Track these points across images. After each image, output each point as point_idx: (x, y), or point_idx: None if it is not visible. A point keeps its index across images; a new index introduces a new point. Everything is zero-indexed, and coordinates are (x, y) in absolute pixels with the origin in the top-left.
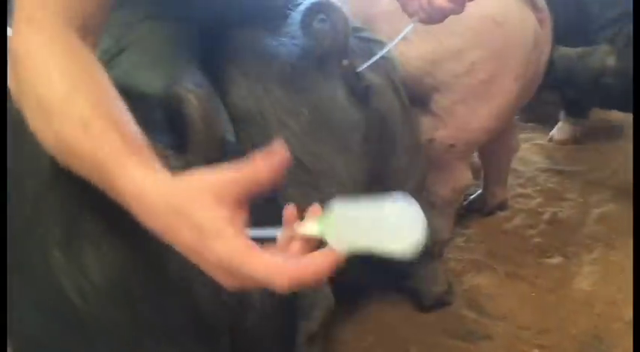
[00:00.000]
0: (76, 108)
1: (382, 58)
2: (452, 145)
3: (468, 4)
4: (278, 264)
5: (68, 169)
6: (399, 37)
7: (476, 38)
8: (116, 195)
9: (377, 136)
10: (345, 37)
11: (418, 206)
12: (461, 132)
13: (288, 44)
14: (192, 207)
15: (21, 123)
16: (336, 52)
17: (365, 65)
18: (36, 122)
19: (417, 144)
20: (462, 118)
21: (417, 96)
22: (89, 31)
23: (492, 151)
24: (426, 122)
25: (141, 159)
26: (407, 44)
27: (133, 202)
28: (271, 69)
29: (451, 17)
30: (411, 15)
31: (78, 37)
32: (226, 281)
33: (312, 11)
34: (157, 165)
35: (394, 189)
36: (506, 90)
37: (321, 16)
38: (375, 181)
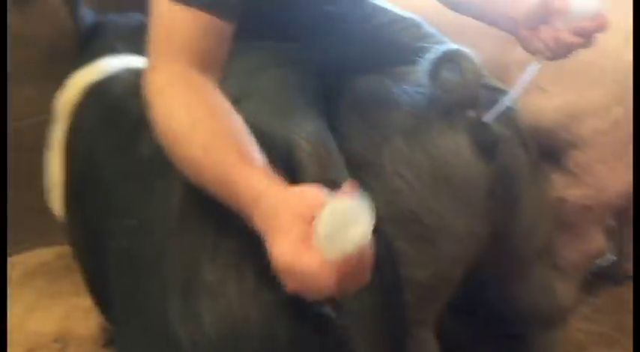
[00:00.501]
0: (198, 137)
1: (511, 108)
2: (587, 207)
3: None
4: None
5: (194, 218)
6: (526, 79)
7: (622, 93)
8: (237, 202)
9: (501, 192)
10: (475, 88)
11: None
12: (598, 194)
13: (413, 93)
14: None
15: (150, 171)
16: (464, 103)
17: (492, 115)
18: (170, 150)
19: (545, 202)
20: (600, 178)
21: (549, 151)
22: (209, 67)
23: (630, 215)
24: (558, 180)
25: (258, 169)
26: (542, 94)
27: (253, 205)
28: (393, 118)
29: (594, 67)
30: (533, 53)
31: (199, 72)
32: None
33: (441, 59)
34: (273, 174)
35: (518, 248)
36: None
37: (451, 65)
38: (498, 239)
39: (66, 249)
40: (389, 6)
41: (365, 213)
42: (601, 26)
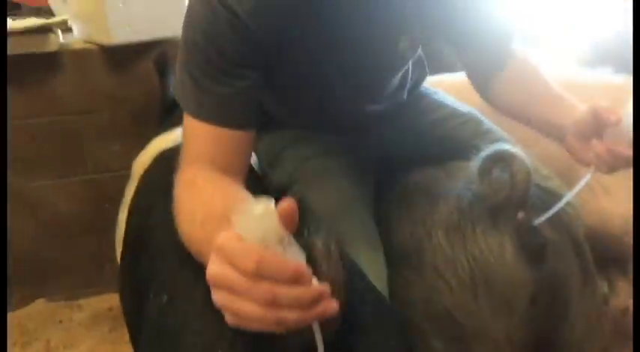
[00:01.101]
0: (197, 219)
1: (566, 211)
2: None
3: None
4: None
5: None
6: (579, 188)
7: None
8: None
9: (548, 300)
10: (525, 190)
11: None
12: None
13: (462, 188)
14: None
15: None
16: (513, 204)
17: (542, 219)
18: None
19: (599, 313)
20: None
21: (615, 258)
22: (226, 168)
23: None
24: (622, 287)
25: None
26: (609, 198)
27: None
28: (438, 213)
29: None
30: (586, 165)
31: (222, 175)
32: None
33: (492, 158)
34: None
35: None
36: None
37: (502, 164)
38: (542, 350)
39: None
40: (449, 100)
41: (272, 215)
42: None
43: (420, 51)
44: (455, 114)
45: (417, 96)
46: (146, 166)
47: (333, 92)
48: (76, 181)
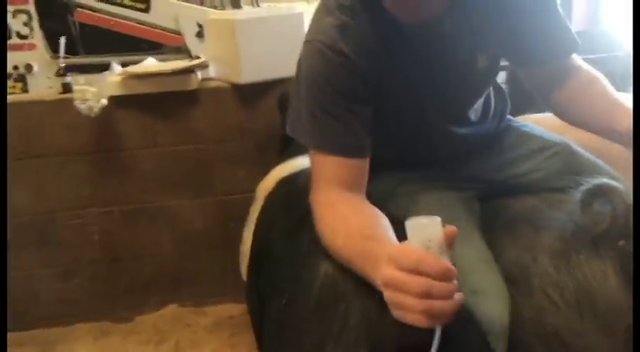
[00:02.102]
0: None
1: None
2: None
3: None
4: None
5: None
6: None
7: None
8: (364, 270)
9: None
10: (625, 222)
11: None
12: None
13: (564, 219)
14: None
15: (304, 256)
16: (614, 235)
17: None
18: (325, 243)
19: None
20: None
21: None
22: (353, 187)
23: None
24: None
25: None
26: None
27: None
28: (542, 240)
29: None
30: None
31: (348, 191)
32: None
33: (593, 192)
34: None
35: None
36: None
37: (603, 198)
38: None
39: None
40: (538, 130)
41: (437, 224)
42: None
43: (498, 81)
44: (547, 144)
45: (505, 128)
46: (269, 190)
47: (425, 115)
48: (207, 202)
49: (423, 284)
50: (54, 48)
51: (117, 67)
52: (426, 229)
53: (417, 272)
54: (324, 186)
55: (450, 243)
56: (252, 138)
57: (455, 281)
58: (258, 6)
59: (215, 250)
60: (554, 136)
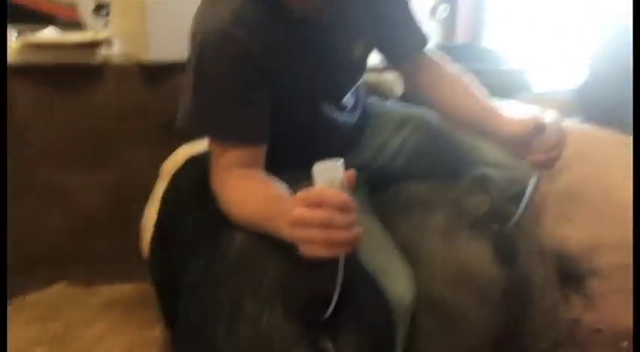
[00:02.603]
0: (248, 204)
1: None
2: (598, 330)
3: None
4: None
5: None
6: (530, 190)
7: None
8: (274, 229)
9: (517, 294)
10: (499, 207)
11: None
12: (610, 321)
13: (450, 203)
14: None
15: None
16: (490, 218)
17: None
18: (230, 216)
19: (555, 311)
20: (613, 307)
21: (572, 277)
22: (252, 166)
23: None
24: (576, 302)
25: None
26: (570, 225)
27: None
28: (431, 221)
29: (618, 211)
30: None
31: (248, 170)
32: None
33: (473, 182)
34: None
35: (526, 345)
36: None
37: (481, 186)
38: (509, 335)
39: (141, 286)
40: (392, 106)
41: (340, 166)
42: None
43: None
44: (404, 119)
45: (368, 113)
46: (176, 167)
47: (312, 101)
48: (103, 180)
49: (324, 215)
50: None
51: (12, 35)
52: (329, 172)
53: (319, 205)
54: (224, 169)
55: (350, 185)
56: (156, 118)
57: (353, 214)
58: None
59: (108, 230)
60: (409, 109)
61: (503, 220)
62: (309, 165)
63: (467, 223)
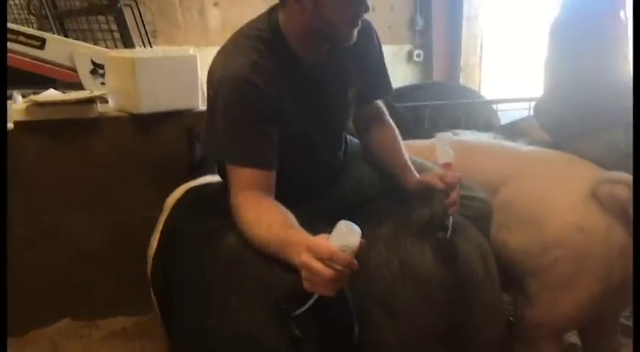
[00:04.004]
0: (262, 227)
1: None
2: (538, 324)
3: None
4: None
5: (233, 269)
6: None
7: (560, 239)
8: (285, 255)
9: (459, 292)
10: (441, 219)
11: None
12: (546, 315)
13: (401, 215)
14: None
15: (210, 238)
16: (434, 227)
17: (448, 234)
18: (246, 235)
19: (497, 308)
20: (547, 303)
21: (513, 278)
22: (264, 190)
23: (593, 345)
24: (520, 301)
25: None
26: (509, 233)
27: (293, 251)
28: (380, 231)
29: (543, 218)
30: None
31: (264, 193)
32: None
33: (420, 198)
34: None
35: (469, 337)
36: (586, 287)
37: (425, 202)
38: (454, 327)
39: (142, 318)
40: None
41: (357, 236)
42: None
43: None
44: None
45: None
46: (177, 198)
47: (312, 137)
48: (102, 222)
49: (332, 273)
50: None
51: (18, 97)
52: (348, 237)
53: (328, 260)
54: (243, 190)
55: (360, 250)
56: (147, 163)
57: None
58: (151, 47)
59: (108, 267)
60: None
61: (445, 230)
62: (303, 196)
63: (411, 232)
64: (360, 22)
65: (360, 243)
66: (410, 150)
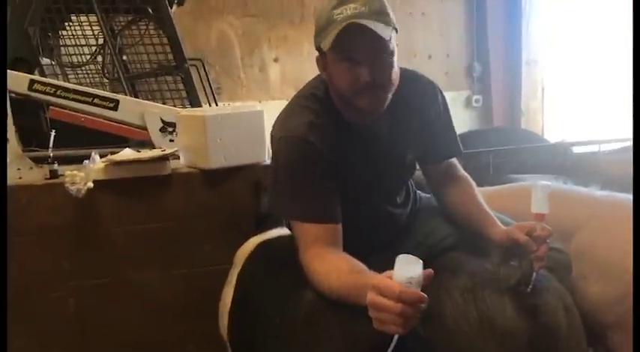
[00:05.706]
0: (333, 280)
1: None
2: None
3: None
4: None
5: (315, 319)
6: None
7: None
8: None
9: (543, 345)
10: (529, 277)
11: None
12: None
13: (476, 268)
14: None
15: (289, 295)
16: (519, 284)
17: (529, 288)
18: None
19: None
20: None
21: (592, 331)
22: (332, 243)
23: None
24: None
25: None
26: (586, 282)
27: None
28: (457, 281)
29: (621, 266)
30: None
31: (330, 247)
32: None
33: (508, 254)
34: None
35: None
36: None
37: (515, 256)
38: None
39: None
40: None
41: (420, 266)
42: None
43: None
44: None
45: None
46: (249, 252)
47: (368, 195)
48: (174, 275)
49: (399, 308)
50: (25, 143)
51: (96, 157)
52: (409, 270)
53: (397, 300)
54: (310, 246)
55: (427, 282)
56: (217, 216)
57: (424, 306)
58: (217, 104)
59: (180, 320)
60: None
61: (528, 285)
62: (370, 250)
63: (489, 283)
64: (386, 90)
65: (426, 272)
66: None
